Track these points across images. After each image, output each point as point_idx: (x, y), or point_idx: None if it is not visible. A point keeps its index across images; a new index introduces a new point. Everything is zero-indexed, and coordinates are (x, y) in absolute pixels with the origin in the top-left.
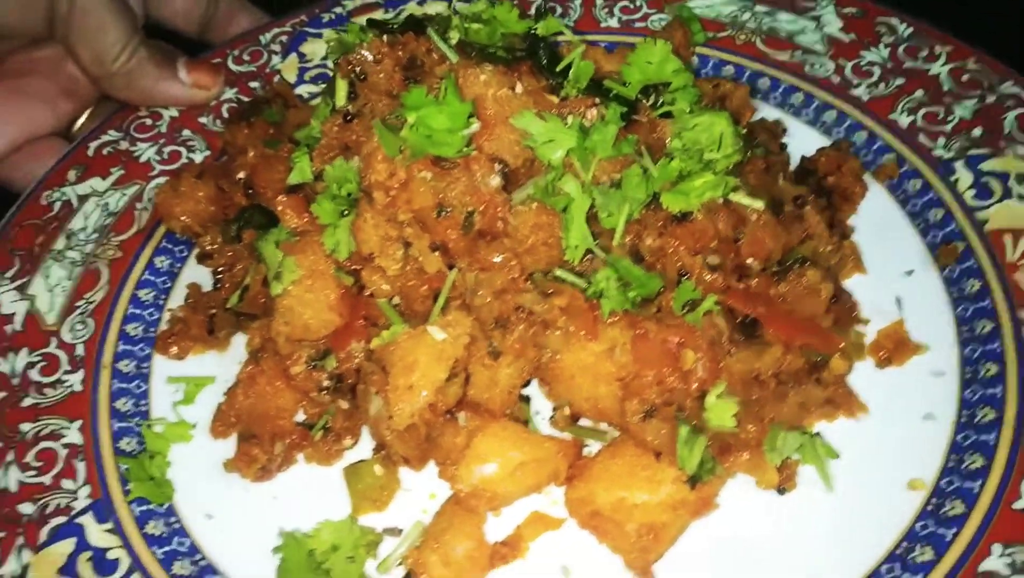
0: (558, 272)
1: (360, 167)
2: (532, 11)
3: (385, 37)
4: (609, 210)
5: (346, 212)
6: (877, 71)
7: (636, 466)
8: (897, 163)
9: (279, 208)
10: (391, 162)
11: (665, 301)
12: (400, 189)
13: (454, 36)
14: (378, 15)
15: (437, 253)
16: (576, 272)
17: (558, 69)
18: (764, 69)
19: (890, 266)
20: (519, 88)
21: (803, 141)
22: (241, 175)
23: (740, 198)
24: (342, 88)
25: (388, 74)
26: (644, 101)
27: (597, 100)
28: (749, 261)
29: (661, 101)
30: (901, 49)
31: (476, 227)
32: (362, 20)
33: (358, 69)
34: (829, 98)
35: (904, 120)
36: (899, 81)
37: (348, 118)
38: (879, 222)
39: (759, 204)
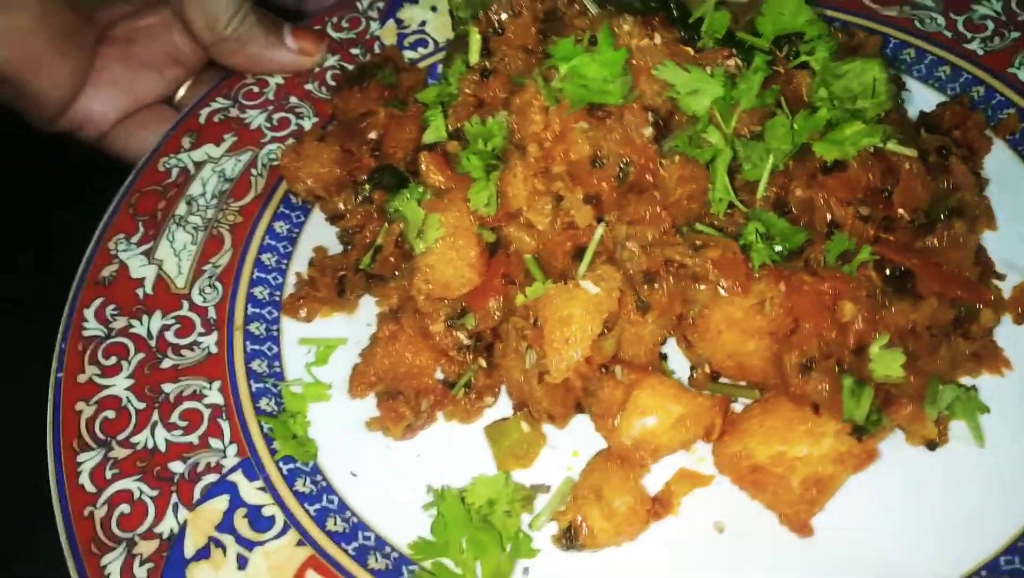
0: (700, 227)
1: (509, 120)
2: None
3: None
4: (753, 162)
5: (492, 167)
6: (991, 24)
7: (793, 420)
8: (1018, 118)
9: (423, 165)
10: (546, 113)
11: (811, 254)
12: (555, 141)
13: None
14: None
15: (589, 206)
16: (717, 227)
17: (691, 21)
18: (873, 26)
19: (1019, 222)
20: (657, 39)
21: (918, 98)
22: (372, 135)
23: (894, 147)
24: (476, 43)
25: (525, 28)
26: (779, 52)
27: (734, 51)
28: (899, 212)
29: (797, 52)
30: (1014, 2)
31: (629, 178)
32: None
33: (496, 23)
34: (943, 53)
35: (1023, 74)
36: (1015, 35)
37: (485, 74)
38: (1003, 178)
39: (912, 152)
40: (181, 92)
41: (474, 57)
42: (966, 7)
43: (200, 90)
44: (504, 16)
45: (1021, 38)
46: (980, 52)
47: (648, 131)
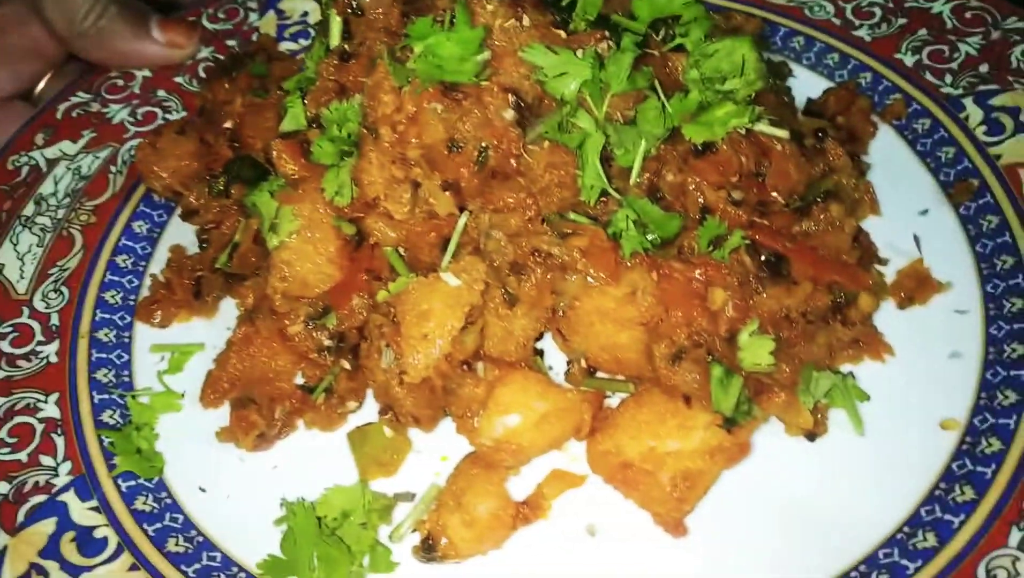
0: (572, 214)
1: (362, 104)
2: None
3: None
4: (625, 147)
5: (347, 153)
6: (878, 11)
7: (665, 414)
8: (904, 103)
9: (275, 153)
10: (398, 94)
11: (685, 241)
12: (409, 123)
13: None
14: None
15: (448, 194)
16: (590, 214)
17: (563, 3)
18: (762, 14)
19: (904, 206)
20: (526, 20)
21: (806, 85)
22: (227, 125)
23: (765, 128)
24: (337, 26)
25: (387, 9)
26: (654, 35)
27: (606, 34)
28: (773, 195)
29: (673, 34)
30: None
31: (490, 164)
32: None
33: (354, 4)
34: (831, 40)
35: (909, 59)
36: (901, 21)
37: (345, 58)
38: (889, 163)
39: (784, 133)
40: (40, 86)
41: (334, 40)
42: None
43: (62, 84)
44: None
45: (908, 24)
46: (868, 39)
47: (509, 113)
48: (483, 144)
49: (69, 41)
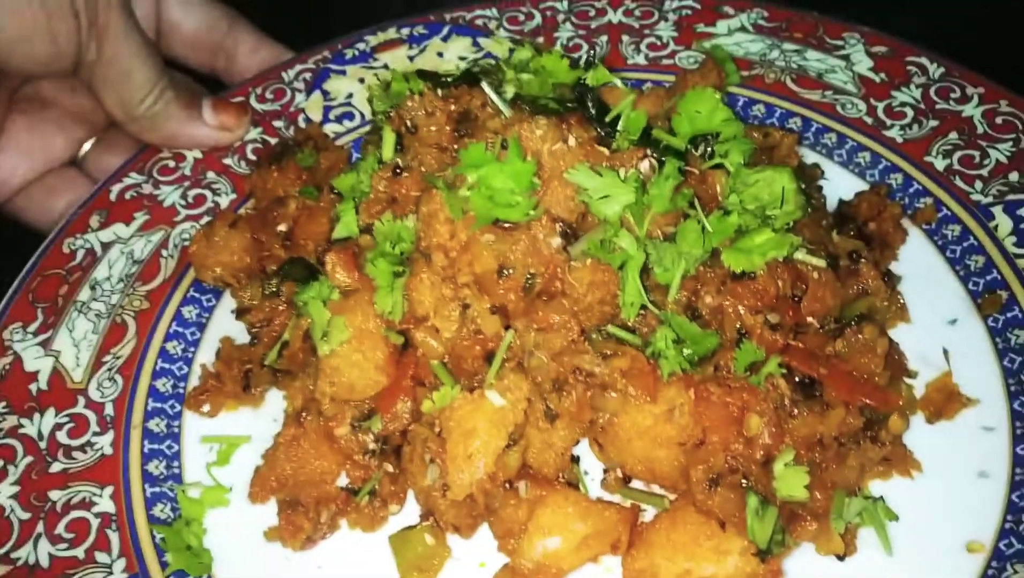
0: (612, 329)
1: (417, 226)
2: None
3: (439, 90)
4: (664, 265)
5: (399, 272)
6: (910, 112)
7: (700, 535)
8: (935, 207)
9: (328, 266)
10: (452, 224)
11: (722, 360)
12: (461, 251)
13: (509, 90)
14: (402, 52)
15: (496, 315)
16: (628, 328)
17: (607, 119)
18: (795, 108)
19: (933, 315)
20: (572, 140)
21: (837, 183)
22: (282, 227)
23: (803, 256)
24: (390, 140)
25: (440, 127)
26: (694, 152)
27: (648, 151)
28: (808, 319)
29: (712, 152)
30: (933, 90)
31: (537, 288)
32: (387, 57)
33: (409, 122)
34: (863, 139)
35: (940, 163)
36: (933, 123)
37: (397, 172)
38: (918, 269)
39: (821, 263)
40: (85, 148)
41: (387, 154)
42: (887, 94)
43: (106, 149)
44: (418, 114)
45: (939, 127)
46: (899, 139)
47: (556, 241)
48: (531, 271)
49: (123, 124)
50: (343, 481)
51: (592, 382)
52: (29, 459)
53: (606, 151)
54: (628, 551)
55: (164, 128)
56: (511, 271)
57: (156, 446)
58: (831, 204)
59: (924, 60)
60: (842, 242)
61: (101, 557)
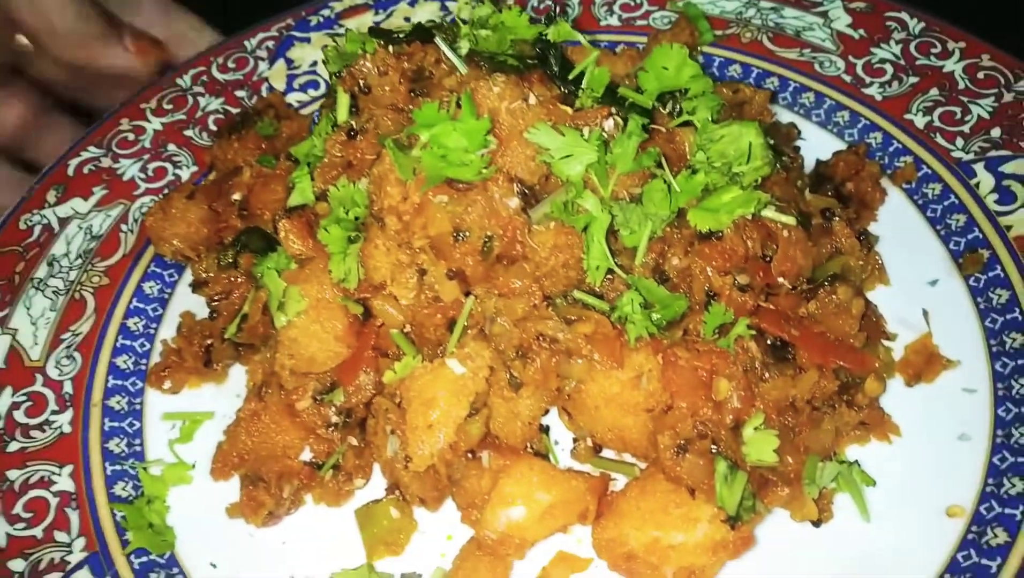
0: (578, 294)
1: (369, 189)
2: (541, 15)
3: (391, 48)
4: (630, 228)
5: (354, 237)
6: (890, 69)
7: (669, 503)
8: (915, 166)
9: (282, 234)
10: (404, 185)
11: (691, 323)
12: (414, 214)
13: (464, 46)
14: (367, 17)
15: (454, 281)
16: (595, 293)
17: (570, 77)
18: (772, 68)
19: (913, 276)
20: (532, 99)
21: (815, 143)
22: (236, 196)
23: (771, 214)
24: (344, 103)
25: (393, 87)
26: (661, 109)
27: (613, 109)
28: (779, 280)
29: (680, 109)
30: (913, 46)
31: (495, 252)
32: (352, 24)
33: (361, 82)
34: (841, 98)
35: (920, 120)
36: (913, 79)
37: (352, 134)
38: (898, 229)
39: (791, 220)
40: None
41: (342, 116)
42: (866, 51)
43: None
44: (370, 74)
45: (919, 83)
46: (878, 97)
47: (514, 202)
48: (488, 233)
49: (46, 43)
50: (307, 456)
51: (556, 349)
52: None
53: (569, 110)
54: (597, 521)
55: (86, 47)
56: (467, 234)
57: (117, 424)
58: (809, 165)
59: (904, 15)
60: (815, 200)
61: (60, 536)
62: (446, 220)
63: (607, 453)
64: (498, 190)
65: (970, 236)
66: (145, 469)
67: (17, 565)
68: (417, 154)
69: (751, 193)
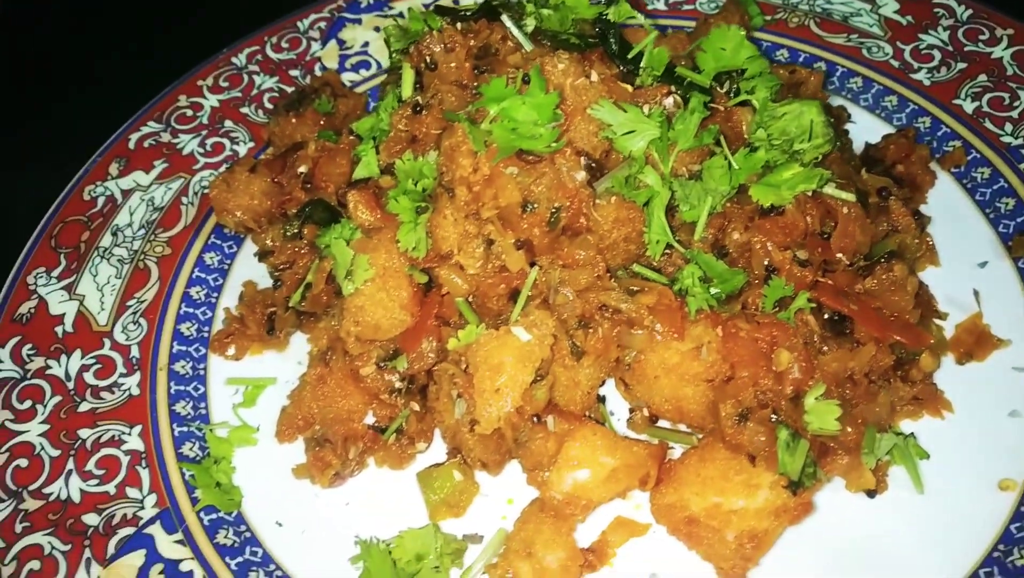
0: (637, 268)
1: (439, 162)
2: None
3: (458, 25)
4: (690, 203)
5: (422, 208)
6: (938, 55)
7: (729, 470)
8: (964, 150)
9: (351, 204)
10: (474, 157)
11: (750, 298)
12: (484, 185)
13: (530, 23)
14: None
15: (521, 251)
16: (654, 267)
17: (629, 56)
18: (820, 53)
19: (963, 258)
20: (594, 76)
21: (864, 127)
22: (302, 169)
23: (832, 191)
24: (409, 79)
25: (459, 63)
26: (719, 89)
27: (672, 88)
28: (837, 256)
29: (737, 89)
30: (961, 32)
31: (561, 223)
32: (401, 6)
33: (428, 59)
34: (889, 83)
35: (969, 106)
36: (961, 65)
37: (417, 109)
38: (947, 212)
39: (851, 197)
40: None
41: (406, 92)
42: (913, 36)
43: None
44: (437, 50)
45: (968, 69)
46: (927, 83)
47: (581, 175)
48: (556, 205)
49: None
50: (369, 420)
51: (618, 319)
52: (57, 399)
53: (629, 88)
54: (656, 487)
55: None
56: (535, 205)
57: (182, 388)
58: (857, 149)
59: (951, 2)
60: (871, 179)
61: (132, 492)
62: (515, 191)
63: (662, 424)
64: (565, 163)
65: (1019, 219)
66: (211, 431)
67: (91, 519)
68: (488, 127)
69: (813, 170)
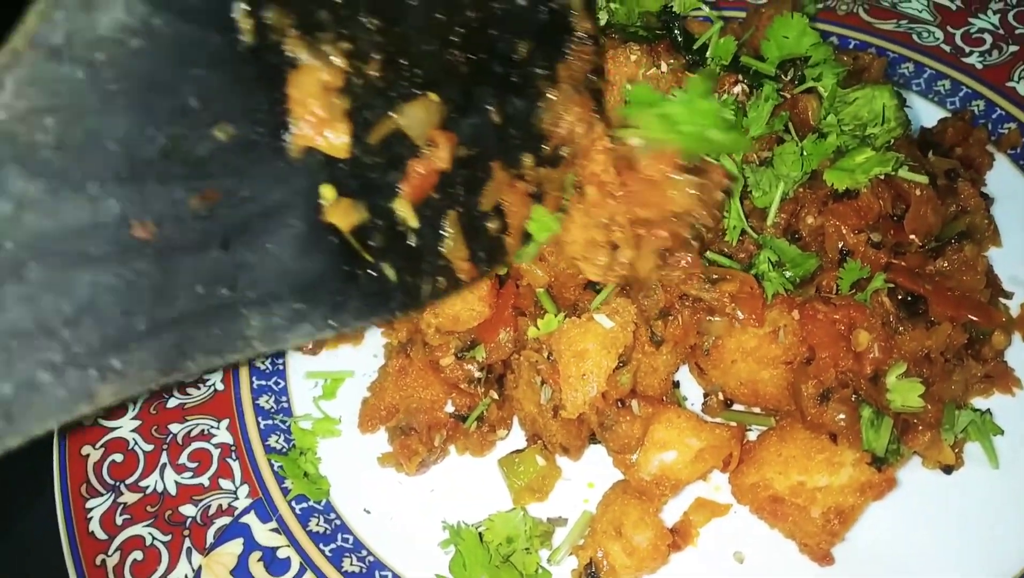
0: (711, 255)
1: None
2: None
3: None
4: (762, 189)
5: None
6: (988, 38)
7: (811, 449)
8: (1020, 132)
9: None
10: (610, 156)
11: (824, 281)
12: (648, 188)
13: (602, 17)
14: None
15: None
16: (726, 253)
17: (695, 47)
18: (870, 39)
19: (1023, 237)
20: (664, 67)
21: (918, 112)
22: None
23: (906, 174)
24: None
25: None
26: (784, 77)
27: (740, 77)
28: (910, 237)
29: (802, 76)
30: (1011, 15)
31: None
32: None
33: None
34: (942, 67)
35: (1022, 88)
36: (1013, 48)
37: None
38: (1007, 193)
39: (923, 179)
40: None
41: None
42: (963, 21)
43: None
44: None
45: (1019, 51)
46: (979, 66)
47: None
48: (702, 220)
49: None
50: (449, 409)
51: (700, 307)
52: (145, 395)
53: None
54: (738, 468)
55: None
56: (683, 217)
57: (264, 382)
58: (913, 133)
59: None
60: (938, 162)
61: (225, 484)
62: (676, 199)
63: (736, 407)
64: (716, 177)
65: None
66: (295, 423)
67: (188, 510)
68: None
69: (887, 154)
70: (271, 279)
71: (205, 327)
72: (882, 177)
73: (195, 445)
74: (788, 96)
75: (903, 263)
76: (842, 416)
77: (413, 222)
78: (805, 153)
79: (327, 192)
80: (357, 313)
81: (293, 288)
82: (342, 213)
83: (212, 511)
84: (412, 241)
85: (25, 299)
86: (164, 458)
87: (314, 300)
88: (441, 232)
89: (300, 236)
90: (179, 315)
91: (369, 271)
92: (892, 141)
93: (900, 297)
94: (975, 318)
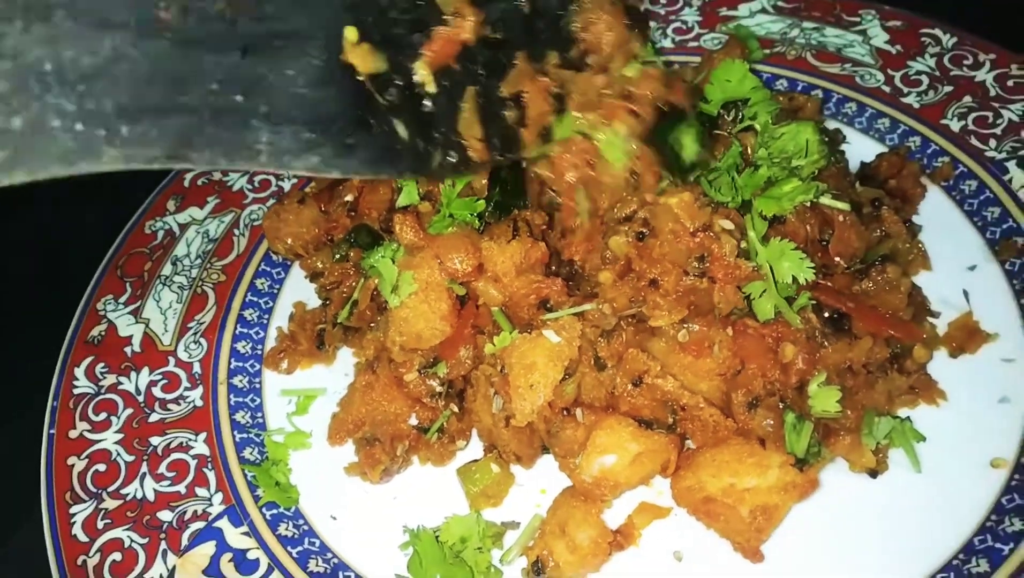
0: None
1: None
2: None
3: None
4: None
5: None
6: (925, 80)
7: (742, 454)
8: (952, 165)
9: (397, 226)
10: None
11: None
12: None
13: None
14: None
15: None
16: None
17: None
18: (816, 81)
19: (953, 262)
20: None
21: (859, 148)
22: (348, 197)
23: (828, 201)
24: None
25: None
26: (726, 117)
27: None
28: (835, 260)
29: (742, 116)
30: (947, 58)
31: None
32: None
33: None
34: (882, 106)
35: (955, 125)
36: (947, 88)
37: None
38: (938, 222)
39: (845, 206)
40: None
41: None
42: (902, 64)
43: None
44: None
45: (954, 91)
46: (916, 105)
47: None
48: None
49: None
50: (412, 422)
51: (641, 328)
52: (129, 411)
53: None
54: (676, 473)
55: None
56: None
57: (241, 399)
58: (853, 168)
59: (937, 31)
60: (864, 191)
61: (201, 491)
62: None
63: None
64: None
65: (1005, 225)
66: (269, 436)
67: (165, 515)
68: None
69: (810, 183)
70: (284, 100)
71: (215, 124)
72: (808, 205)
73: (174, 456)
74: (727, 134)
75: (828, 283)
76: (769, 422)
77: (431, 87)
78: (739, 184)
79: (350, 33)
80: (365, 163)
81: (306, 116)
82: (362, 56)
83: (188, 516)
84: (428, 106)
85: (49, 41)
86: (144, 468)
87: (325, 133)
88: (458, 104)
89: (318, 69)
90: (191, 104)
91: (382, 125)
92: (816, 172)
93: (827, 314)
94: (896, 334)
